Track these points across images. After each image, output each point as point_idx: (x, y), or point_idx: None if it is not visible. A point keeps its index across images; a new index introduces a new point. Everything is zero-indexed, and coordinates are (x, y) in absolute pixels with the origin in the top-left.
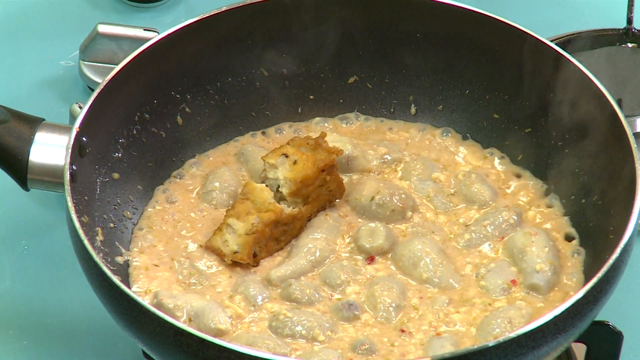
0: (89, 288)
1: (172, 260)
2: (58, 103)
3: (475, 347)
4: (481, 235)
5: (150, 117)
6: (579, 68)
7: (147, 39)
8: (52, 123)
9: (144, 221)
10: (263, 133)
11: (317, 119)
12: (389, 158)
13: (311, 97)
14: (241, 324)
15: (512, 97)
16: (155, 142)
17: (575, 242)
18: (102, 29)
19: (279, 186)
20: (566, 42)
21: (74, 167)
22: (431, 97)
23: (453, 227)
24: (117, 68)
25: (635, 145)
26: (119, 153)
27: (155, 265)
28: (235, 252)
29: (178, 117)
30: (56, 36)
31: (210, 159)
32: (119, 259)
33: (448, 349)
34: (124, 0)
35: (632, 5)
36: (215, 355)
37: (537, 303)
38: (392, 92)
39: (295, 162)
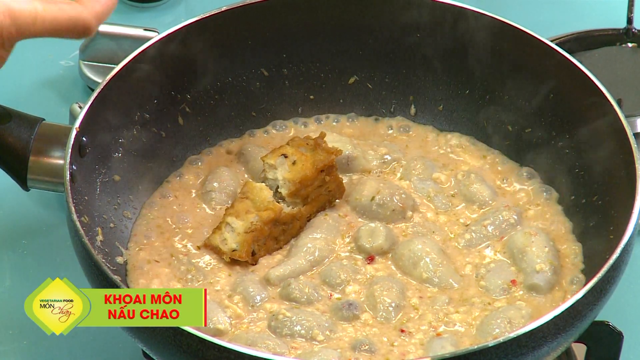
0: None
1: (172, 257)
2: (58, 103)
3: (475, 347)
4: (481, 235)
5: (150, 116)
6: (579, 68)
7: (147, 39)
8: (52, 123)
9: (143, 221)
10: (263, 133)
11: (317, 118)
12: (389, 158)
13: (311, 97)
14: (240, 324)
15: (512, 97)
16: (156, 142)
17: (575, 241)
18: (102, 28)
19: (278, 186)
20: (566, 42)
21: (74, 167)
22: (431, 97)
23: (453, 227)
24: (117, 68)
25: (635, 145)
26: (119, 153)
27: (156, 261)
28: (234, 250)
29: (178, 117)
30: None
31: (210, 158)
32: (119, 259)
33: (448, 349)
34: (124, 0)
35: (632, 5)
36: (215, 355)
37: (537, 303)
38: (392, 92)
39: (294, 163)
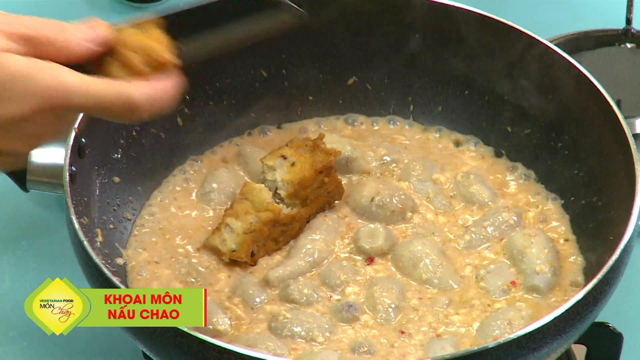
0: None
1: (171, 258)
2: None
3: (475, 348)
4: (481, 237)
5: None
6: (578, 68)
7: None
8: None
9: (143, 222)
10: (262, 134)
11: (316, 119)
12: (389, 159)
13: (311, 97)
14: (240, 325)
15: (511, 97)
16: (155, 143)
17: (574, 242)
18: None
19: (277, 188)
20: (566, 42)
21: (74, 168)
22: (431, 97)
23: (453, 228)
24: None
25: (634, 146)
26: (118, 154)
27: (156, 262)
28: (233, 251)
29: (177, 117)
30: None
31: (209, 159)
32: (119, 260)
33: (448, 350)
34: (123, 1)
35: (632, 5)
36: (215, 356)
37: (536, 304)
38: (392, 92)
39: (293, 164)
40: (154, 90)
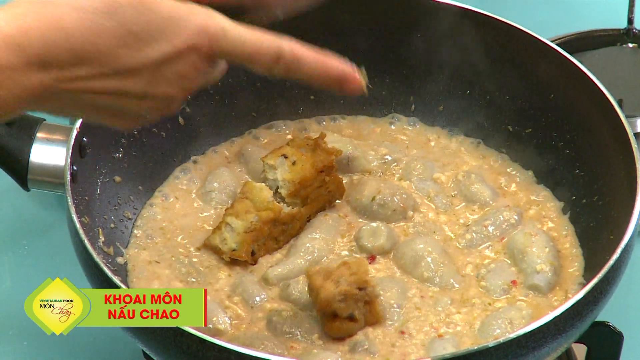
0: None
1: (172, 257)
2: None
3: (476, 347)
4: (482, 236)
5: None
6: (579, 68)
7: None
8: (52, 123)
9: (144, 221)
10: (263, 133)
11: (318, 118)
12: (390, 158)
13: (311, 97)
14: (240, 324)
15: (512, 97)
16: (156, 143)
17: (575, 242)
18: None
19: (278, 187)
20: (566, 42)
21: (75, 168)
22: (431, 97)
23: (454, 227)
24: None
25: (635, 146)
26: (119, 153)
27: (157, 262)
28: (234, 250)
29: (178, 117)
30: None
31: (210, 159)
32: (120, 260)
33: (449, 349)
34: None
35: (633, 5)
36: (215, 355)
37: (537, 303)
38: (393, 92)
39: (294, 163)
40: (303, 51)
